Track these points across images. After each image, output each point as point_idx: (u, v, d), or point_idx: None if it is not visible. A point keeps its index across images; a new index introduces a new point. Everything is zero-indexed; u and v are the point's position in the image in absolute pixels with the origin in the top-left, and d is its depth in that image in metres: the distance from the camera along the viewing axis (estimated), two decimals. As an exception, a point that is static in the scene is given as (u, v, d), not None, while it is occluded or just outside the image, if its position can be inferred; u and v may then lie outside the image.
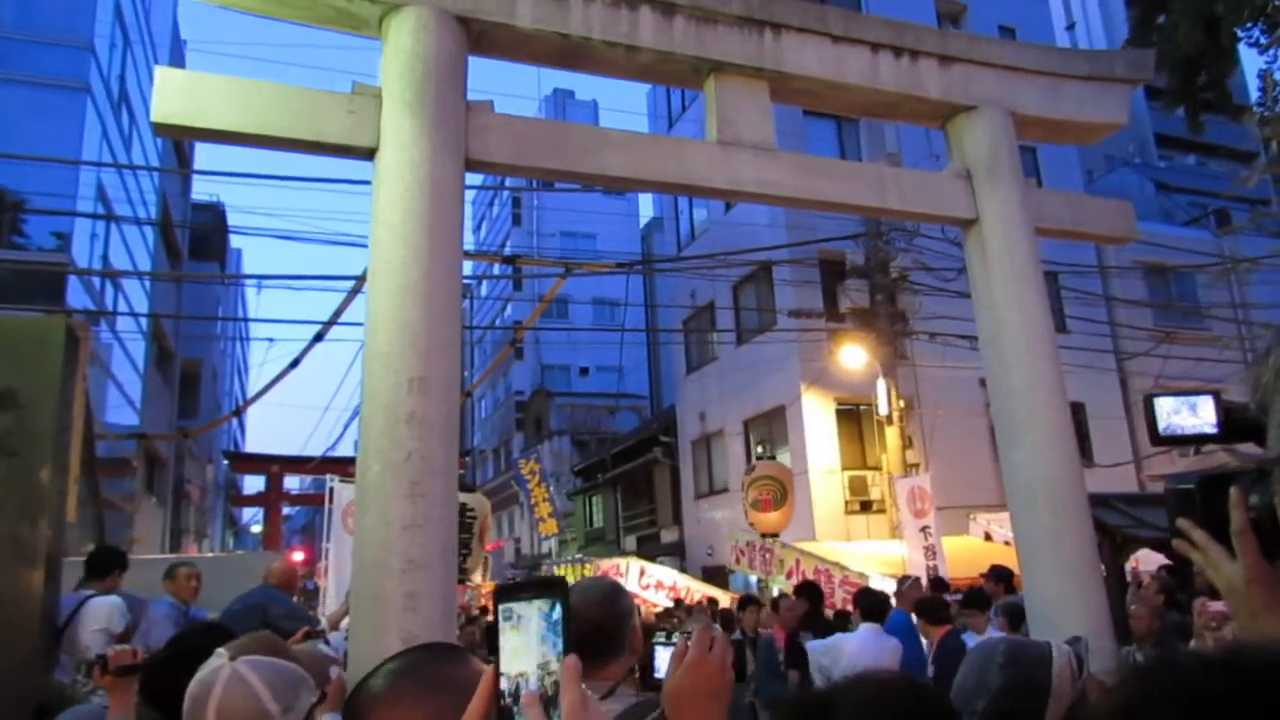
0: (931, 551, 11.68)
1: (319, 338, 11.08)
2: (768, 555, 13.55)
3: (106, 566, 5.54)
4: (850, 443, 16.76)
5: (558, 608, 0.95)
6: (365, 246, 4.44)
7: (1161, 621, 5.88)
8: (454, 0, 4.58)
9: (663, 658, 1.79)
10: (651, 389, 33.99)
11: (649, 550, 22.20)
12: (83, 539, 7.65)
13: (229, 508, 40.44)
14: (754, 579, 15.28)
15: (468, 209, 4.90)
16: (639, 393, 33.99)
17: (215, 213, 29.72)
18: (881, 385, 14.12)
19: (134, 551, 15.61)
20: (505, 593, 0.98)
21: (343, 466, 15.09)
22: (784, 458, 17.39)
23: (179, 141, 23.64)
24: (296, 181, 25.38)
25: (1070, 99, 6.19)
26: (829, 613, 9.81)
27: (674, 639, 1.49)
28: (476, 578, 22.34)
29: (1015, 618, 5.85)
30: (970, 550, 12.43)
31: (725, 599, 13.59)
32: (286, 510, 34.62)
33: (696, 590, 14.59)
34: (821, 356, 15.96)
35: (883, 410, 14.16)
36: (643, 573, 14.98)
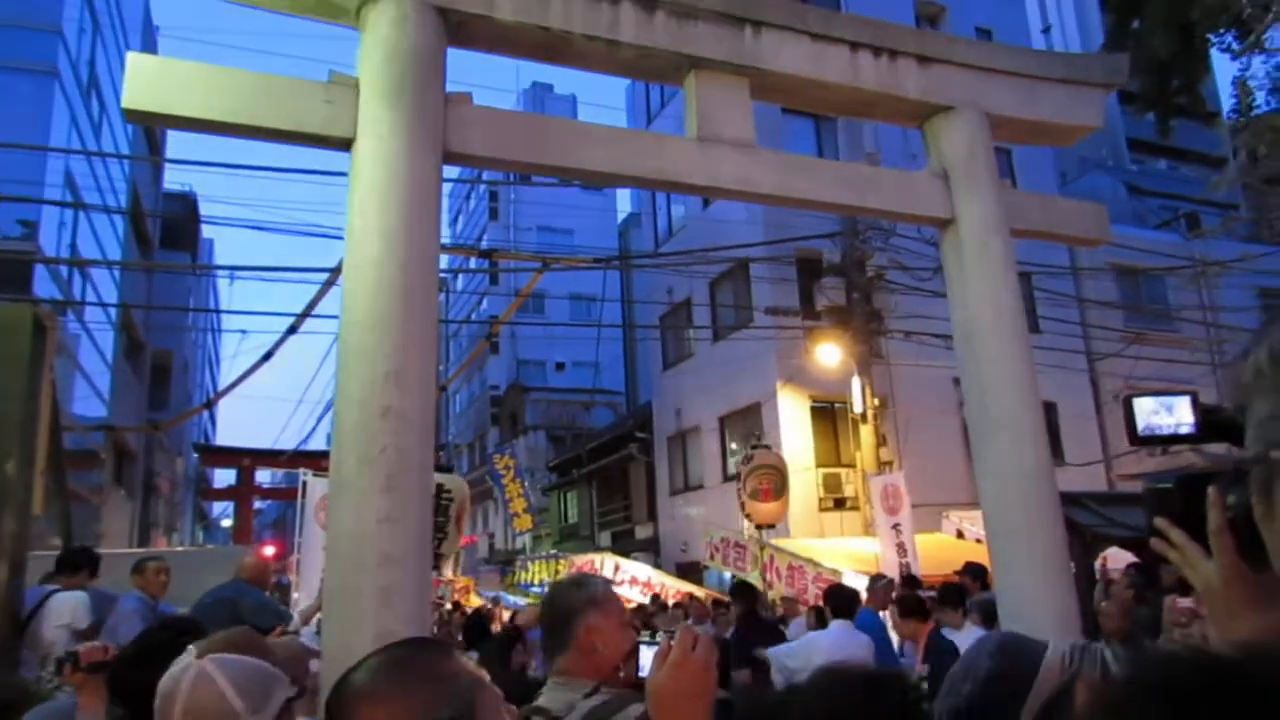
0: (904, 549, 11.76)
1: (293, 330, 10.98)
2: (741, 551, 13.60)
3: (78, 564, 5.47)
4: (825, 440, 16.84)
5: None
6: (340, 238, 4.40)
7: (1131, 618, 5.95)
8: (433, -9, 4.54)
9: (646, 657, 1.78)
10: (628, 385, 34.00)
11: (623, 546, 22.21)
12: (49, 533, 7.54)
13: (199, 501, 40.05)
14: (728, 575, 15.33)
15: (444, 202, 4.87)
16: (615, 389, 33.97)
17: (187, 202, 29.39)
18: (856, 383, 14.20)
19: (102, 545, 15.42)
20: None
21: (316, 460, 14.98)
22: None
23: (150, 129, 23.35)
24: (270, 172, 25.14)
25: (1046, 101, 6.23)
26: (803, 608, 9.84)
27: (657, 638, 1.49)
28: (448, 572, 22.31)
29: (989, 614, 5.89)
30: (942, 547, 12.52)
31: (700, 595, 13.63)
32: (258, 504, 34.32)
33: (671, 586, 14.62)
34: (797, 354, 16.01)
35: (857, 408, 14.24)
36: (617, 568, 15.00)
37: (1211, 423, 1.44)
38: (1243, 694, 0.64)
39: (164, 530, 29.56)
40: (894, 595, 8.35)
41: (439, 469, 11.37)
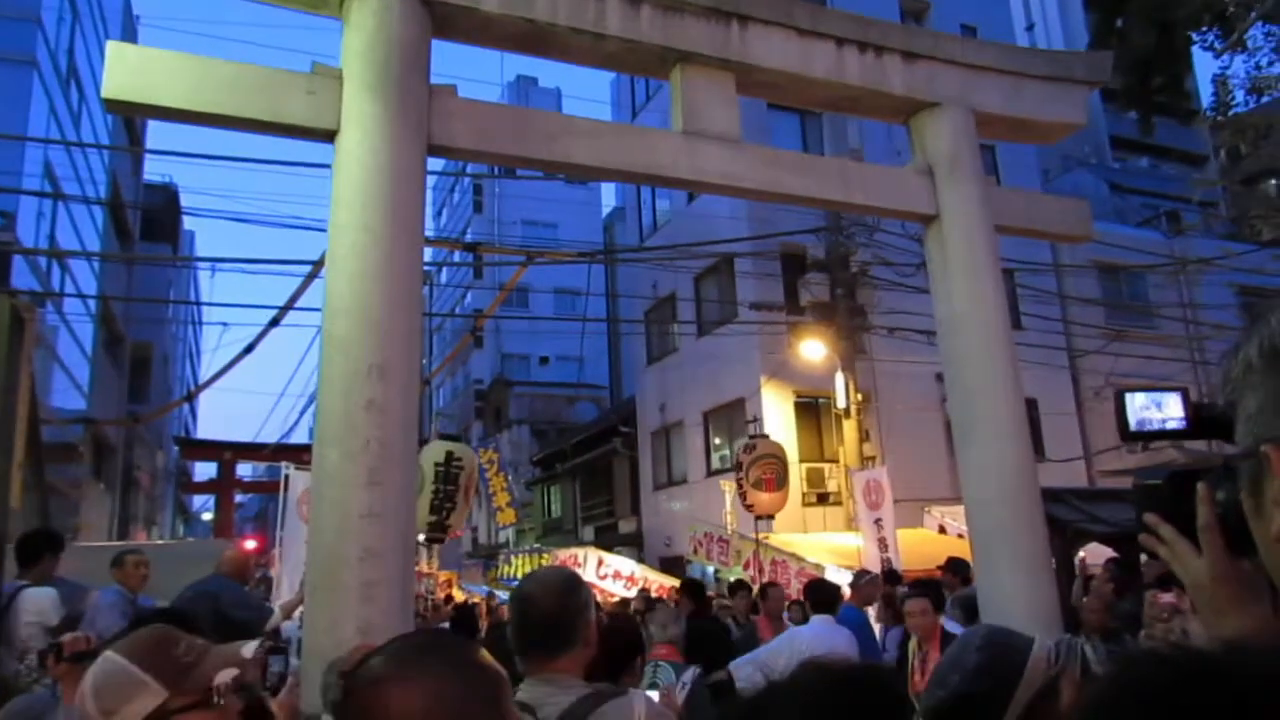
0: (885, 544, 11.80)
1: (275, 323, 10.91)
2: (724, 546, 13.62)
3: (36, 552, 5.37)
4: (808, 435, 16.88)
5: None
6: (323, 230, 4.37)
7: (1112, 613, 5.99)
8: (418, -18, 4.51)
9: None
10: (612, 379, 33.99)
11: (607, 540, 22.21)
12: (27, 525, 7.47)
13: (180, 495, 39.79)
14: (711, 569, 15.36)
15: (428, 195, 4.85)
16: (599, 383, 33.95)
17: (168, 193, 29.11)
18: (840, 378, 14.23)
19: (80, 539, 15.31)
20: None
21: (298, 454, 14.90)
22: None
23: (130, 119, 23.13)
24: (252, 163, 24.94)
25: (1031, 99, 6.26)
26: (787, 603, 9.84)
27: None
28: (424, 566, 22.22)
29: (970, 609, 5.92)
30: (924, 543, 12.59)
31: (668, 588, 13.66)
32: (239, 498, 34.14)
33: (654, 580, 14.63)
34: (781, 349, 16.04)
35: (841, 403, 14.28)
36: (600, 563, 15.00)
37: (1203, 419, 1.45)
38: (1225, 691, 0.64)
39: (144, 524, 29.36)
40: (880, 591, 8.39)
41: (449, 438, 10.97)
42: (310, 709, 3.04)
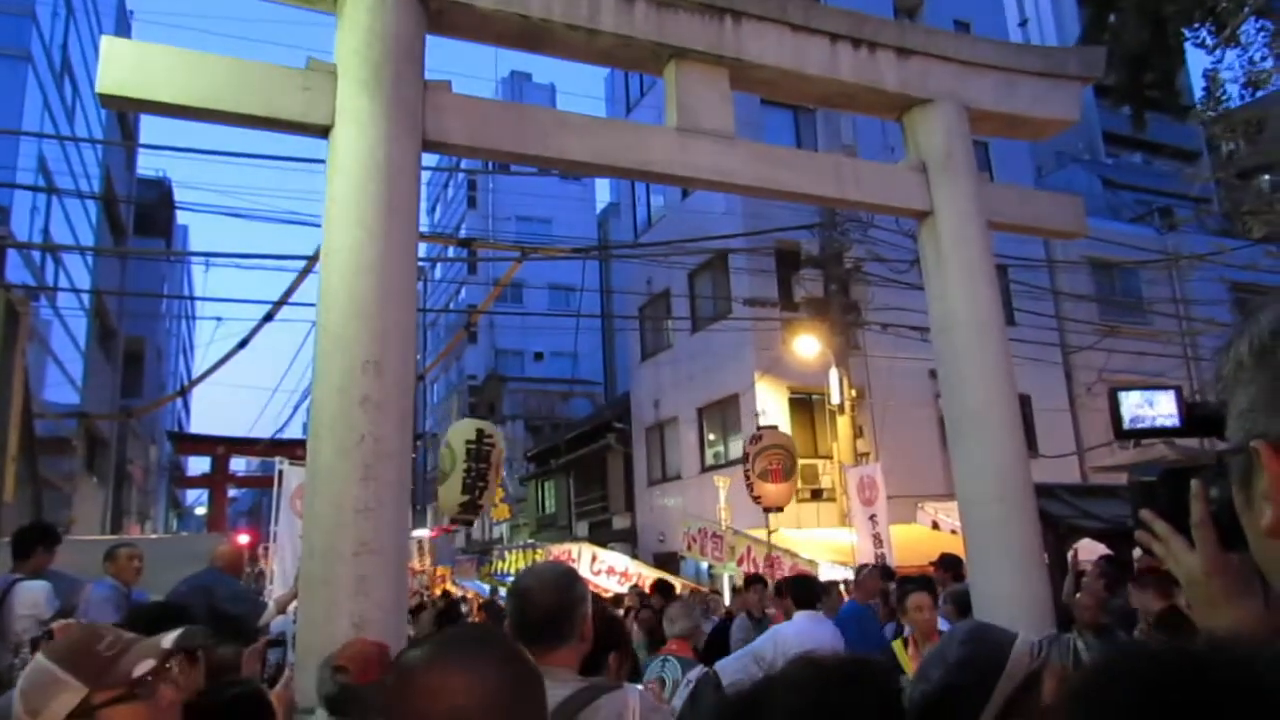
0: (879, 540, 11.82)
1: (269, 318, 10.91)
2: (718, 542, 13.64)
3: (30, 546, 5.39)
4: (802, 431, 16.89)
5: None
6: (317, 226, 4.37)
7: (1105, 610, 6.00)
8: (413, -23, 4.51)
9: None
10: (606, 375, 33.97)
11: (601, 536, 22.23)
12: (21, 519, 7.46)
13: (173, 489, 39.74)
14: (705, 565, 15.39)
15: (422, 190, 4.85)
16: (593, 379, 33.94)
17: (161, 188, 29.04)
18: (834, 375, 14.25)
19: (73, 532, 15.28)
20: None
21: (291, 449, 14.91)
22: (737, 445, 17.50)
23: (124, 114, 23.04)
24: (246, 158, 24.87)
25: (1024, 94, 6.28)
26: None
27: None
28: (417, 564, 22.23)
29: (963, 605, 5.94)
30: (918, 539, 12.62)
31: (677, 585, 13.67)
32: (232, 493, 34.11)
33: (649, 576, 14.65)
34: (775, 345, 16.06)
35: (835, 399, 14.30)
36: (594, 558, 15.02)
37: (1197, 416, 1.46)
38: (1210, 685, 0.65)
39: (137, 518, 29.29)
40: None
41: (480, 416, 11.11)
42: (305, 702, 3.05)
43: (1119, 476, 15.57)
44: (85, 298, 20.77)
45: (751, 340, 16.64)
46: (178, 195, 31.32)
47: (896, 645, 5.33)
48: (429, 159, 5.30)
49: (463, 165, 21.62)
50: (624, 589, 13.38)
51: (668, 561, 17.59)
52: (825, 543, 13.45)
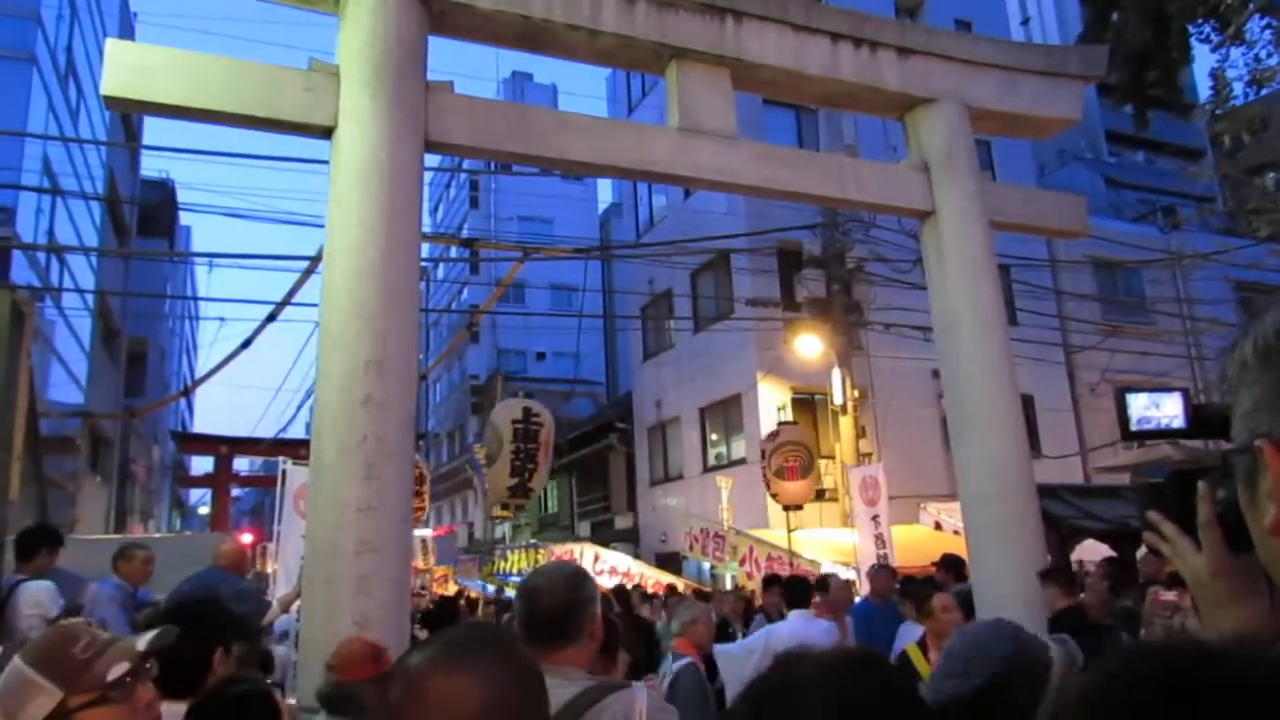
0: (881, 540, 11.81)
1: (271, 318, 10.92)
2: (720, 542, 13.64)
3: (34, 548, 5.40)
4: (805, 432, 16.90)
5: None
6: (320, 226, 4.38)
7: (1108, 611, 6.00)
8: (415, -22, 4.52)
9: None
10: (608, 375, 33.97)
11: (603, 536, 22.24)
12: (25, 518, 7.49)
13: (176, 488, 39.81)
14: (707, 565, 15.39)
15: (425, 191, 4.86)
16: (595, 379, 33.93)
17: (164, 189, 29.09)
18: (836, 375, 14.24)
19: (77, 532, 15.31)
20: None
21: (294, 449, 14.92)
22: (739, 445, 17.50)
23: (127, 116, 23.08)
24: (249, 159, 24.92)
25: (1025, 93, 6.28)
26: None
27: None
28: (420, 563, 22.20)
29: (967, 606, 5.93)
30: (920, 539, 12.62)
31: (680, 585, 13.67)
32: (235, 492, 34.14)
33: (650, 576, 14.66)
34: (778, 345, 16.06)
35: (837, 400, 14.29)
36: (596, 558, 15.02)
37: (1204, 418, 1.47)
38: (1220, 687, 0.66)
39: (140, 517, 29.33)
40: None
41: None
42: (308, 701, 3.06)
43: (1122, 477, 15.59)
44: (89, 298, 20.81)
45: (754, 340, 16.64)
46: (181, 196, 31.40)
47: (912, 650, 5.25)
48: (431, 159, 5.31)
49: (465, 165, 21.66)
50: (628, 585, 13.39)
51: (670, 561, 17.60)
52: (827, 543, 13.44)
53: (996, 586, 5.28)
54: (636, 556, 17.73)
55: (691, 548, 14.48)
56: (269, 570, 11.00)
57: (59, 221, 18.58)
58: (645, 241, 20.85)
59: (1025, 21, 36.82)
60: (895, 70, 5.85)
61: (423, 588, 19.20)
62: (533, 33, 4.97)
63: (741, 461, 17.13)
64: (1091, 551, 10.58)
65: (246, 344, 11.55)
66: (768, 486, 12.32)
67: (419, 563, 19.87)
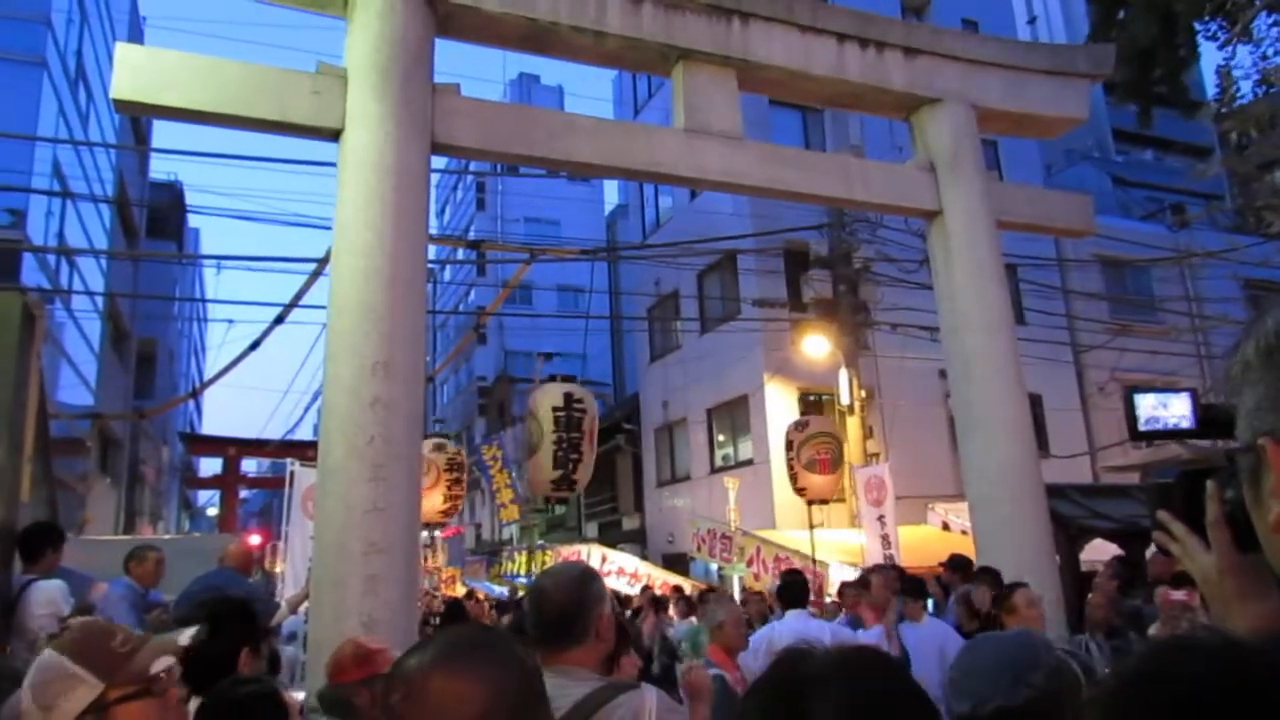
0: (887, 540, 11.78)
1: (280, 320, 10.94)
2: (727, 543, 13.63)
3: (39, 549, 5.41)
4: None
5: None
6: (327, 228, 4.40)
7: (1117, 610, 5.99)
8: (421, -19, 4.53)
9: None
10: (615, 376, 33.98)
11: (610, 537, 22.24)
12: (36, 519, 7.52)
13: (185, 490, 39.90)
14: (714, 567, 15.38)
15: (432, 192, 4.88)
16: (602, 380, 33.93)
17: (173, 191, 29.23)
18: (843, 375, 14.22)
19: (87, 532, 15.39)
20: None
21: (302, 450, 14.96)
22: (746, 446, 17.50)
23: (136, 119, 23.19)
24: (257, 161, 25.02)
25: (1032, 93, 6.27)
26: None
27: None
28: (432, 562, 22.24)
29: (973, 606, 5.93)
30: (928, 540, 12.59)
31: (687, 586, 13.68)
32: (243, 493, 34.22)
33: (658, 577, 14.66)
34: (784, 346, 16.04)
35: (844, 400, 14.27)
36: (604, 559, 15.03)
37: (1212, 418, 1.48)
38: (1247, 688, 0.67)
39: (149, 518, 29.45)
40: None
41: (564, 379, 9.23)
42: (313, 703, 3.07)
43: (1131, 476, 15.54)
44: (99, 300, 20.92)
45: (760, 341, 16.63)
46: (189, 198, 31.51)
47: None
48: (438, 161, 5.32)
49: (471, 167, 21.71)
50: (634, 589, 13.40)
51: (677, 562, 17.60)
52: (835, 543, 13.42)
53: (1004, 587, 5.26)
54: (643, 557, 17.74)
55: (699, 549, 14.48)
56: (283, 568, 11.01)
57: (69, 224, 18.68)
58: (652, 243, 20.86)
59: (1032, 21, 36.72)
60: (901, 70, 5.85)
61: (434, 588, 19.25)
62: (538, 35, 4.98)
63: (749, 462, 17.13)
64: (1100, 551, 10.54)
65: (255, 346, 11.57)
66: (794, 481, 11.58)
67: (430, 562, 19.90)
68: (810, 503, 11.29)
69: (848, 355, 14.32)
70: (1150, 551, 6.52)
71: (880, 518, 11.96)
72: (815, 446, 11.23)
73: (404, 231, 4.18)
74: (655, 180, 6.16)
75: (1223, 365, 0.95)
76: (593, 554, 15.41)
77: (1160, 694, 0.70)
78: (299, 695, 3.35)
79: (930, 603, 7.00)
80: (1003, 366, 5.58)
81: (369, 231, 4.10)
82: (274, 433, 23.98)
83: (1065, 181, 24.69)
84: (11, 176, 14.13)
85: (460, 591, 19.37)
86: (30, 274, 15.73)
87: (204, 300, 37.16)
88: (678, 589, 13.19)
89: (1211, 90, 12.76)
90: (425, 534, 25.07)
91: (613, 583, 14.21)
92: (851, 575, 10.98)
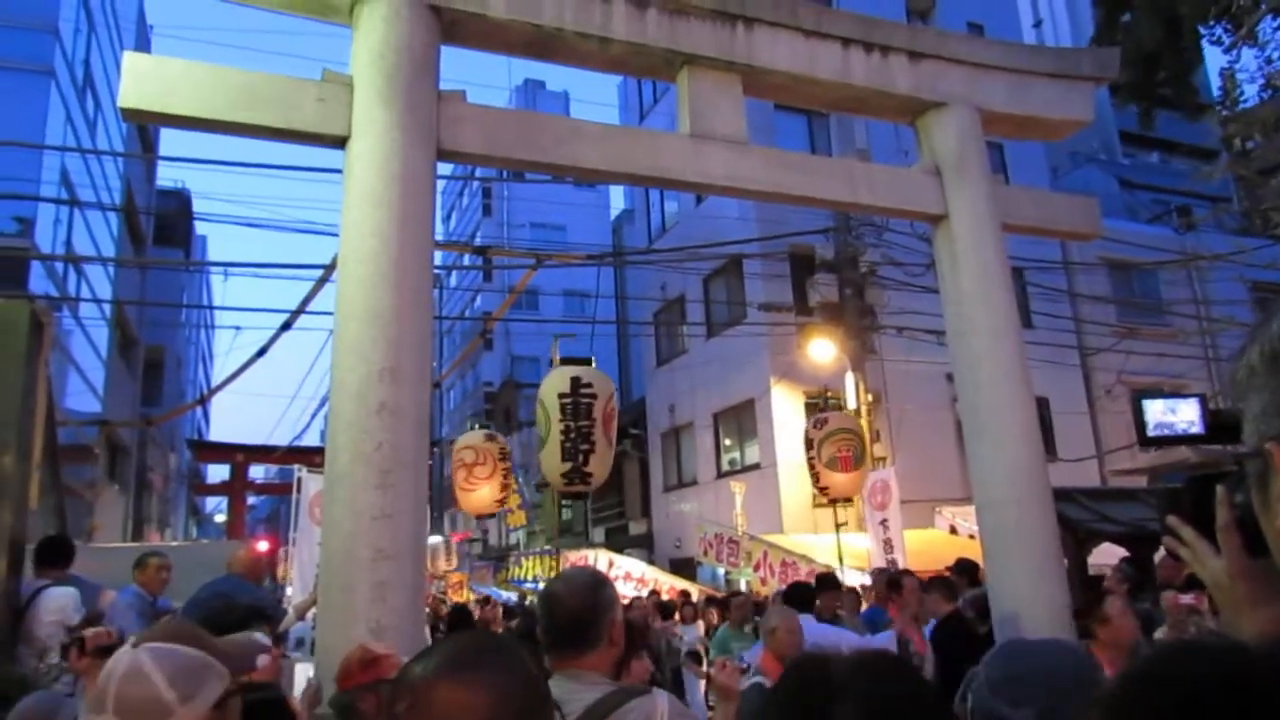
0: (890, 545, 11.74)
1: (287, 326, 10.97)
2: (734, 547, 13.63)
3: (58, 558, 5.44)
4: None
5: None
6: (333, 235, 4.41)
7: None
8: (426, -12, 4.55)
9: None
10: (621, 381, 33.97)
11: (617, 542, 22.25)
12: (44, 526, 7.55)
13: (192, 496, 40.01)
14: (721, 571, 15.38)
15: (438, 199, 4.88)
16: (608, 385, 33.93)
17: (180, 199, 29.35)
18: (850, 379, 14.22)
19: (95, 540, 15.43)
20: None
21: (309, 456, 14.99)
22: (753, 451, 17.50)
23: (144, 126, 23.29)
24: (264, 169, 25.09)
25: (1037, 96, 6.26)
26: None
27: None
28: (444, 564, 22.22)
29: (982, 610, 5.91)
30: (935, 543, 12.58)
31: (695, 591, 13.67)
32: (251, 500, 34.29)
33: (665, 582, 14.66)
34: (791, 350, 16.05)
35: (851, 404, 14.26)
36: (611, 564, 15.04)
37: (1221, 423, 1.48)
38: (1253, 692, 0.67)
39: (157, 525, 29.52)
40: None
41: (575, 362, 8.55)
42: (322, 709, 3.08)
43: (1139, 480, 15.50)
44: (106, 307, 21.00)
45: (767, 345, 16.64)
46: (196, 206, 31.61)
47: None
48: (444, 168, 5.34)
49: (478, 173, 21.73)
50: (642, 594, 13.40)
51: (684, 567, 17.60)
52: (842, 548, 13.40)
53: (1011, 591, 5.25)
54: (651, 562, 17.74)
55: (706, 553, 14.48)
56: (291, 574, 11.04)
57: (77, 232, 18.77)
58: (657, 247, 20.87)
59: (1037, 24, 36.72)
60: (906, 74, 5.85)
61: (441, 593, 19.26)
62: (543, 41, 4.99)
63: (755, 467, 17.13)
64: (1108, 554, 10.51)
65: (262, 352, 11.59)
66: (815, 480, 11.16)
67: (441, 565, 19.89)
68: (833, 501, 10.99)
69: (854, 359, 14.31)
70: (1159, 555, 6.50)
71: (883, 522, 11.93)
72: (836, 444, 10.85)
73: (410, 237, 4.19)
74: (661, 185, 6.16)
75: (1229, 368, 0.95)
76: (600, 559, 15.41)
77: (1164, 696, 0.70)
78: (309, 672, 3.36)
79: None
80: (1010, 370, 5.56)
81: (375, 238, 4.11)
82: (281, 439, 24.05)
83: (1071, 184, 24.67)
84: (20, 185, 14.21)
85: (467, 596, 19.36)
86: (38, 282, 15.80)
87: (211, 307, 37.33)
88: (684, 593, 13.18)
89: (1215, 92, 12.73)
90: (438, 538, 25.13)
91: (620, 587, 14.22)
92: (860, 579, 10.99)
